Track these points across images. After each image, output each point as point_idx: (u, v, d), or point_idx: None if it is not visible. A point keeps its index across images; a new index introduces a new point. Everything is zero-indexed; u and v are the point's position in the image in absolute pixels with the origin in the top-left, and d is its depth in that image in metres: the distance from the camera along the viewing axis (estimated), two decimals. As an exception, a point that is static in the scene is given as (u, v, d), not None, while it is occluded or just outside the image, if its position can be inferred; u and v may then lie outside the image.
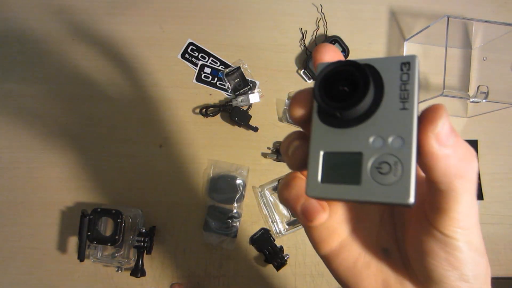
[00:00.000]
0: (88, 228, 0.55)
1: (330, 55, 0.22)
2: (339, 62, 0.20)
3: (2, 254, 0.59)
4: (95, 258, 0.57)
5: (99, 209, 0.56)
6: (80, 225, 0.56)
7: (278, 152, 0.61)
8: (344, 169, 0.20)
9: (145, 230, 0.58)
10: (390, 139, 0.19)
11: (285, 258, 0.59)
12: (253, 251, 0.61)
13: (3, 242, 0.60)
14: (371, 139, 0.20)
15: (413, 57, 0.19)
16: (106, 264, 0.59)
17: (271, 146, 0.62)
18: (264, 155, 0.62)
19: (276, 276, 0.60)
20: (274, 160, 0.62)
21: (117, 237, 0.55)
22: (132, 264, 0.57)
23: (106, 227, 0.58)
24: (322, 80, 0.20)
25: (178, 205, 0.61)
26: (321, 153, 0.21)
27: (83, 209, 0.57)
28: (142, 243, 0.56)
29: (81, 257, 0.56)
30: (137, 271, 0.56)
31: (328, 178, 0.20)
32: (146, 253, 0.58)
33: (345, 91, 0.20)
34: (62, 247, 0.60)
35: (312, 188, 0.21)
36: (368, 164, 0.19)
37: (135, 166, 0.61)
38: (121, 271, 0.57)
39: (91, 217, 0.56)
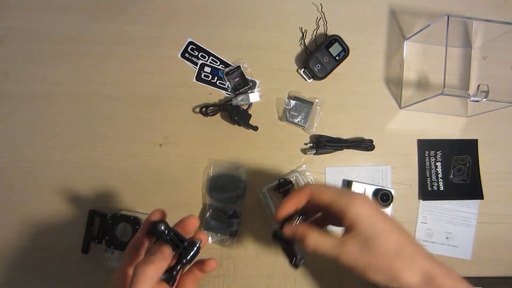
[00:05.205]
0: (106, 233, 0.56)
1: None
2: None
3: (2, 254, 0.59)
4: (111, 263, 0.57)
5: (118, 215, 0.56)
6: (87, 223, 0.58)
7: (317, 146, 0.60)
8: None
9: None
10: None
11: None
12: (253, 251, 0.60)
13: (3, 242, 0.60)
14: None
15: None
16: None
17: (272, 144, 0.62)
18: (304, 151, 0.62)
19: (276, 276, 0.59)
20: (314, 154, 0.61)
21: None
22: None
23: (122, 232, 0.58)
24: None
25: (178, 204, 0.61)
26: None
27: (91, 209, 0.59)
28: None
29: (84, 250, 0.58)
30: None
31: None
32: None
33: None
34: (62, 246, 0.60)
35: None
36: None
37: (135, 166, 0.61)
38: None
39: (110, 222, 0.56)
